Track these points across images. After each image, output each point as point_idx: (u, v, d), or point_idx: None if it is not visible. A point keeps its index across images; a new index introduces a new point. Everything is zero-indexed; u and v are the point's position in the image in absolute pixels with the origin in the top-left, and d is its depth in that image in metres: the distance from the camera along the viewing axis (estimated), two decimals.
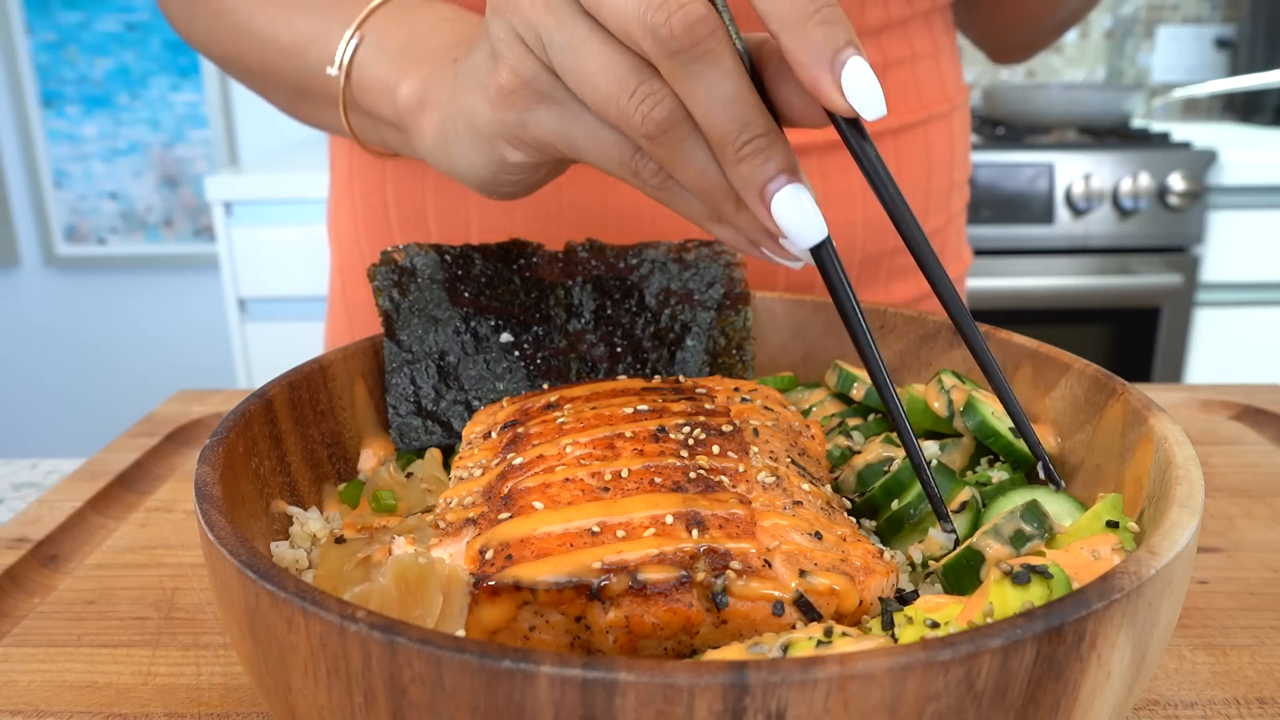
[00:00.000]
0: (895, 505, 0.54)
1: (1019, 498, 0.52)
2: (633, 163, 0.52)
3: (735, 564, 0.42)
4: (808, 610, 0.41)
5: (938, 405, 0.59)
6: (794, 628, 0.41)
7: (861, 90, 0.46)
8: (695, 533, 0.43)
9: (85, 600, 0.62)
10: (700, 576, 0.41)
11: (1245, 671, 0.55)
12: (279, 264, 2.38)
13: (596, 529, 0.43)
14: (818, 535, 0.45)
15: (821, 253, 0.50)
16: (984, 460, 0.59)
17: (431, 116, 0.63)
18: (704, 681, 0.31)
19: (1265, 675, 0.54)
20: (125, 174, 3.05)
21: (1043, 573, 0.39)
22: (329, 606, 0.34)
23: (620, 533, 0.43)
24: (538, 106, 0.53)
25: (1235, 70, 3.00)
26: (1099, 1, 0.98)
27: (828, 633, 0.38)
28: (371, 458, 0.63)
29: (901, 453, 0.57)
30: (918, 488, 0.54)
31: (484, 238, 0.85)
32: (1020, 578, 0.39)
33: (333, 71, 0.71)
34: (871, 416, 0.65)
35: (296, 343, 2.40)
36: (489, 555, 0.42)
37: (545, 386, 0.64)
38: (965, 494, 0.52)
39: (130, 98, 3.00)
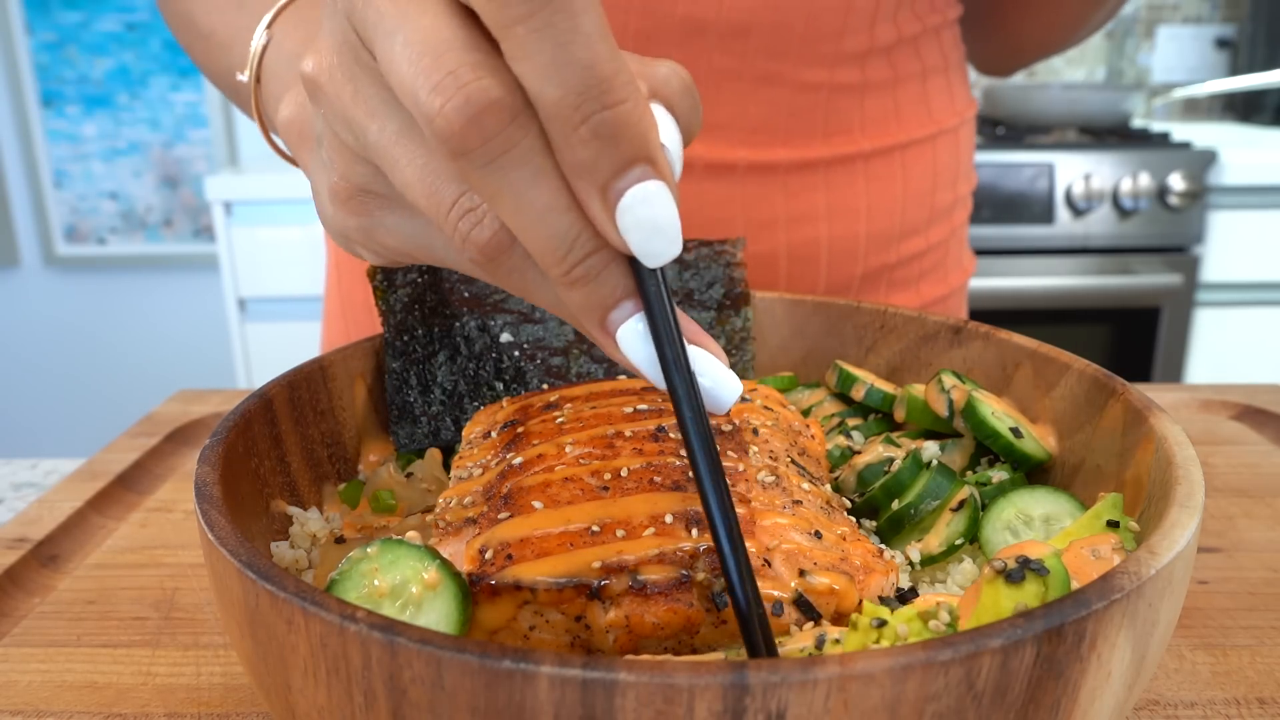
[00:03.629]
0: (895, 505, 0.54)
1: (1019, 498, 0.52)
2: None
3: None
4: (807, 610, 0.41)
5: (938, 405, 0.59)
6: (795, 627, 0.41)
7: (639, 232, 0.35)
8: (695, 532, 0.43)
9: (85, 600, 0.62)
10: (700, 576, 0.41)
11: (1245, 672, 0.55)
12: (279, 264, 2.38)
13: (596, 529, 0.43)
14: (817, 535, 0.45)
15: (672, 383, 0.38)
16: (984, 460, 0.59)
17: (304, 156, 0.49)
18: (704, 681, 0.31)
19: (1265, 675, 0.54)
20: (125, 174, 3.05)
21: (1038, 569, 0.38)
22: (329, 606, 0.34)
23: (620, 532, 0.43)
24: (381, 212, 0.43)
25: (1235, 70, 3.00)
26: (1117, 12, 0.98)
27: (819, 644, 0.38)
28: (371, 457, 0.63)
29: (902, 452, 0.57)
30: (918, 487, 0.54)
31: None
32: (1014, 575, 0.38)
33: (242, 77, 0.60)
34: (871, 417, 0.65)
35: (296, 343, 2.40)
36: (489, 555, 0.42)
37: (545, 387, 0.64)
38: (964, 493, 0.52)
39: (130, 98, 3.00)
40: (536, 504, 0.45)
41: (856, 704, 0.31)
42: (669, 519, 0.43)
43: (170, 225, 3.08)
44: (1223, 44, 3.04)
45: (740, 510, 0.45)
